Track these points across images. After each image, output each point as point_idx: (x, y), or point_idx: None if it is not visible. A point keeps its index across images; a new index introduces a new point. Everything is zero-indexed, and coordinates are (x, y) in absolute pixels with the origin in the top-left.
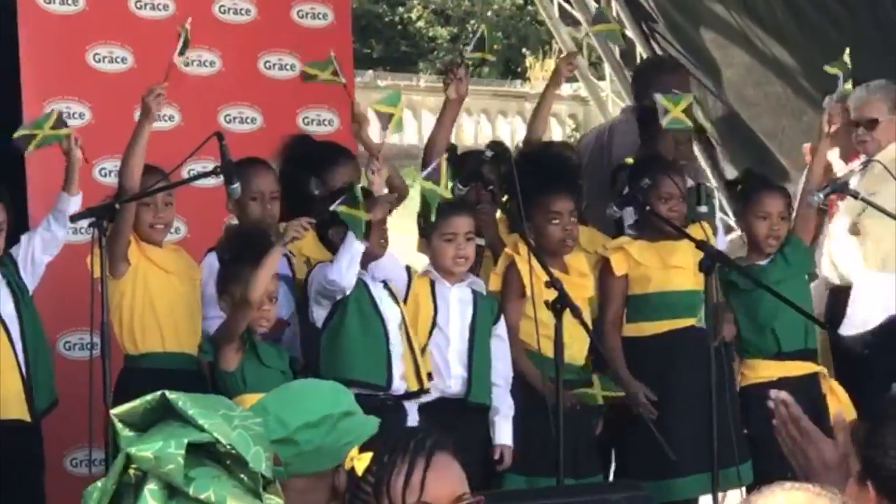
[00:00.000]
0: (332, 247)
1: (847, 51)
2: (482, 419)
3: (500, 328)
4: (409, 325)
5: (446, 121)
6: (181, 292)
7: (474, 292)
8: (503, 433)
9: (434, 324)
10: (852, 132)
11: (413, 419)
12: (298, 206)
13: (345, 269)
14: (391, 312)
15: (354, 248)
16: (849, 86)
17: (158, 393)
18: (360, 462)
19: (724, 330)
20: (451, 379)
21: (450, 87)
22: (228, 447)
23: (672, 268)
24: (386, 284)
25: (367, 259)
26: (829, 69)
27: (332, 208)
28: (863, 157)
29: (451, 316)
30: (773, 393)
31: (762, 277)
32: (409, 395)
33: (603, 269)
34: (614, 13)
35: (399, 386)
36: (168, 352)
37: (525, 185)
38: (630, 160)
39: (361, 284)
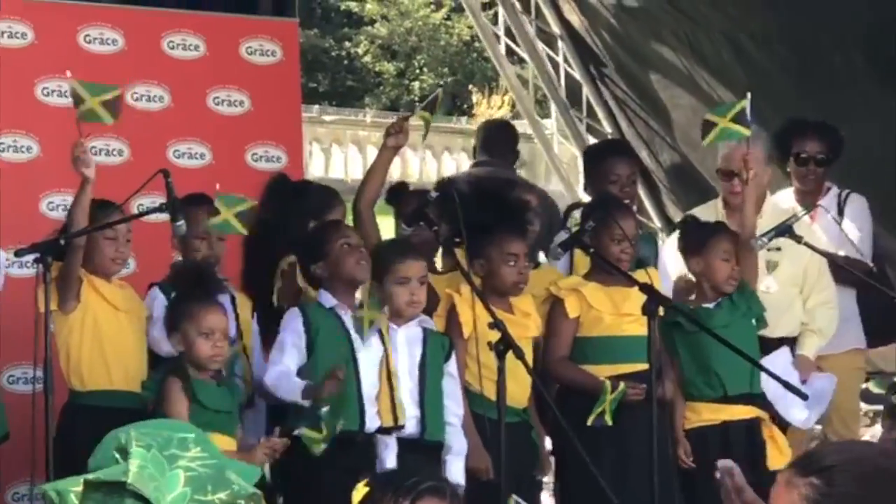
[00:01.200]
0: (316, 281)
1: (748, 95)
2: (436, 458)
3: (452, 366)
4: (389, 361)
5: (380, 167)
6: (130, 329)
7: (425, 330)
8: (455, 472)
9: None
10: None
11: (392, 454)
12: (285, 243)
13: (278, 395)
14: (371, 351)
15: (294, 397)
16: (745, 130)
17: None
18: (357, 494)
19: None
20: (406, 420)
21: (391, 137)
22: None
23: (624, 314)
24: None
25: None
26: (710, 116)
27: (295, 433)
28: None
29: (399, 357)
30: (721, 463)
31: (708, 321)
32: (383, 430)
33: (555, 308)
34: (561, 54)
35: (372, 424)
36: (115, 390)
37: (478, 225)
38: (584, 199)
39: (338, 327)
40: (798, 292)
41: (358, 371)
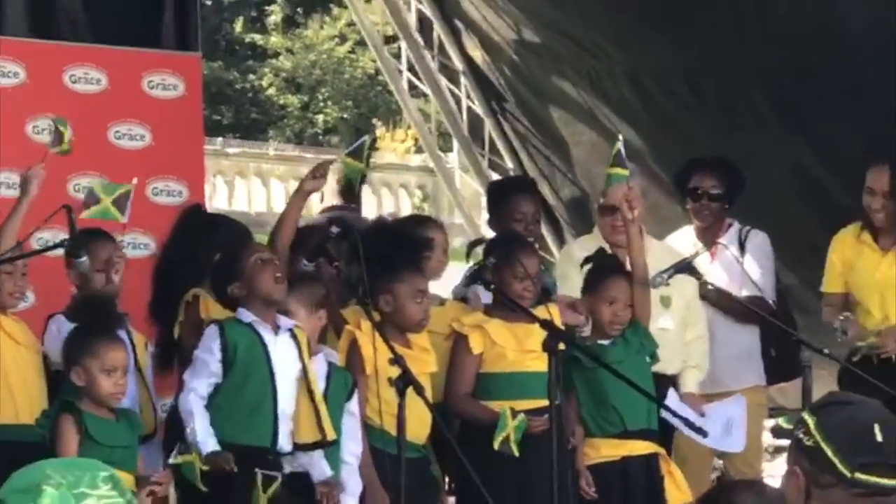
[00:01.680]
0: (233, 303)
1: (620, 137)
2: (309, 490)
3: (353, 405)
4: (310, 378)
5: (294, 210)
6: (31, 363)
7: (330, 365)
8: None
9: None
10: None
11: (322, 470)
12: (193, 275)
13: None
14: (289, 367)
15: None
16: (624, 171)
17: None
18: None
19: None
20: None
21: (310, 181)
22: None
23: (527, 351)
24: (293, 334)
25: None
26: (610, 171)
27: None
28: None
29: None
30: None
31: (603, 357)
32: (307, 447)
33: (458, 344)
34: (463, 89)
35: (285, 442)
36: (21, 424)
37: (380, 261)
38: (487, 236)
39: (256, 342)
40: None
41: (275, 387)
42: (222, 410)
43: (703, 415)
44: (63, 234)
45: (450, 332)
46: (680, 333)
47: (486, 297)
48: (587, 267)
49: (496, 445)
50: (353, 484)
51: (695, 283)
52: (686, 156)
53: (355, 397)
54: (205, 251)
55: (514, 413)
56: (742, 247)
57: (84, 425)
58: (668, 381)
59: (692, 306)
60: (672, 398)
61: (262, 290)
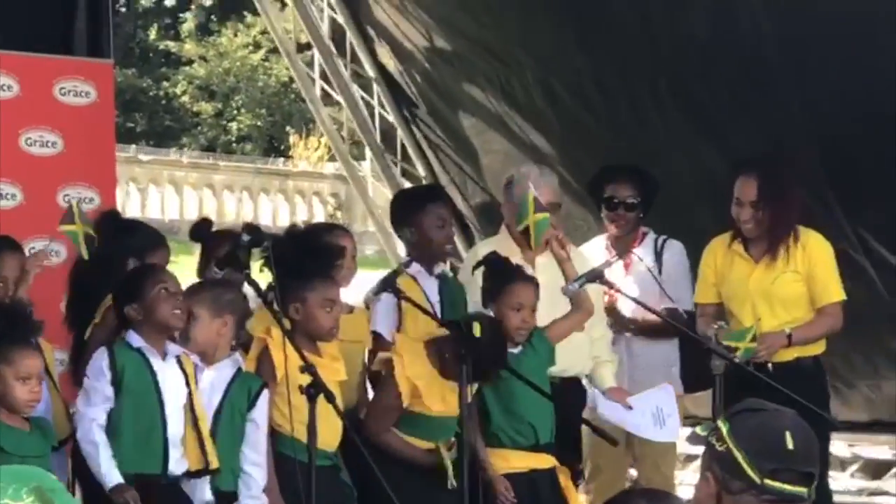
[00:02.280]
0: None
1: (531, 187)
2: None
3: (256, 412)
4: (195, 404)
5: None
6: None
7: (238, 372)
8: None
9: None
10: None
11: (202, 498)
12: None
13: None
14: (176, 393)
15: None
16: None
17: None
18: None
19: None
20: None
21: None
22: None
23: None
24: (179, 360)
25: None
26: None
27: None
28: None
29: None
30: None
31: (516, 367)
32: (191, 475)
33: (385, 381)
34: (376, 97)
35: (176, 468)
36: None
37: (292, 269)
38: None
39: (144, 367)
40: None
41: (164, 412)
42: (113, 437)
43: (630, 407)
44: None
45: (380, 361)
46: (587, 333)
47: (389, 304)
48: (480, 270)
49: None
50: (252, 493)
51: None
52: (597, 163)
53: (259, 404)
54: (120, 256)
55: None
56: (658, 256)
57: None
58: (578, 385)
59: (598, 307)
60: (601, 403)
61: (161, 320)
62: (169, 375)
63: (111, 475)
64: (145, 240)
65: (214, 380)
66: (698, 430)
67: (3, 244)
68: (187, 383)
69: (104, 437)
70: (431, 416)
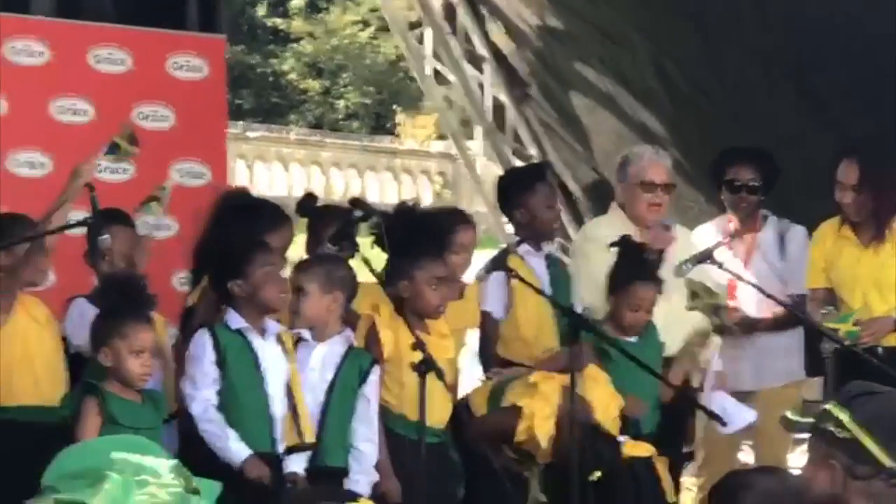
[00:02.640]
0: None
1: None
2: (338, 482)
3: (368, 388)
4: (293, 380)
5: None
6: (52, 344)
7: (349, 347)
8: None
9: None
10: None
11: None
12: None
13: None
14: (278, 371)
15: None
16: None
17: None
18: None
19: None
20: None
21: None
22: None
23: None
24: (280, 338)
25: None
26: None
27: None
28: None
29: (309, 376)
30: None
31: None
32: (288, 451)
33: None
34: (488, 76)
35: (281, 446)
36: (42, 406)
37: (402, 247)
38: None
39: (246, 348)
40: None
41: (266, 391)
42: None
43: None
44: (85, 214)
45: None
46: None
47: (501, 284)
48: (613, 250)
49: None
50: (364, 469)
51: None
52: (708, 144)
53: (370, 380)
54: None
55: None
56: (782, 241)
57: (107, 407)
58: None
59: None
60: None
61: (266, 301)
62: (269, 354)
63: (239, 449)
64: (267, 220)
65: (326, 356)
66: (789, 414)
67: (114, 217)
68: (287, 360)
69: (221, 416)
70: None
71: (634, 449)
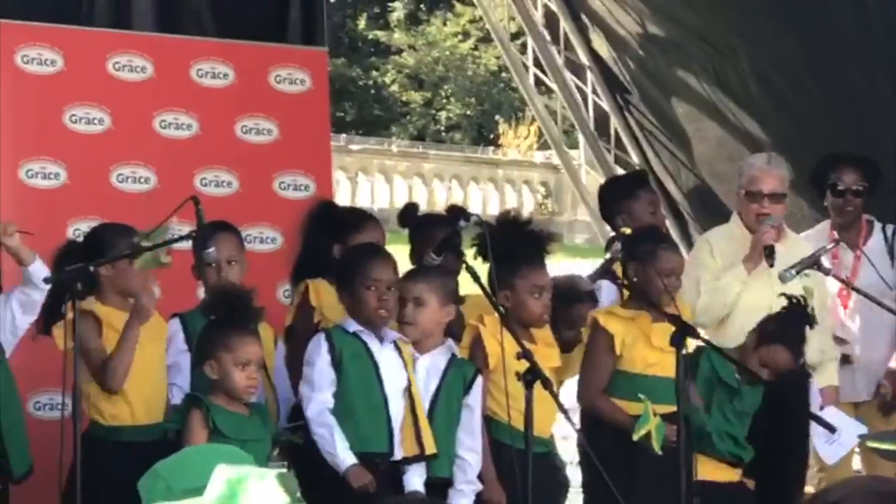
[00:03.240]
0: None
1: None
2: (442, 493)
3: (472, 398)
4: (413, 390)
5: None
6: (151, 360)
7: (452, 358)
8: None
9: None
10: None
11: (415, 485)
12: (317, 268)
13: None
14: (395, 377)
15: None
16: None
17: None
18: None
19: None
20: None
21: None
22: None
23: (656, 349)
24: (396, 345)
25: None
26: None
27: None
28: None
29: (394, 383)
30: None
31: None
32: (407, 461)
33: (599, 340)
34: (589, 85)
35: (398, 451)
36: (136, 425)
37: (503, 256)
38: (628, 230)
39: (363, 350)
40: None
41: (385, 394)
42: (339, 419)
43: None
44: (191, 227)
45: (591, 321)
46: (820, 325)
47: (611, 292)
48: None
49: (636, 437)
50: (467, 478)
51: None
52: (813, 152)
53: (474, 390)
54: (322, 243)
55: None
56: (891, 249)
57: (214, 420)
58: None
59: (826, 300)
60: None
61: (364, 314)
62: (387, 359)
63: (346, 457)
64: (345, 221)
65: (430, 366)
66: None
67: (227, 228)
68: (405, 367)
69: (335, 420)
70: (640, 376)
71: (730, 475)
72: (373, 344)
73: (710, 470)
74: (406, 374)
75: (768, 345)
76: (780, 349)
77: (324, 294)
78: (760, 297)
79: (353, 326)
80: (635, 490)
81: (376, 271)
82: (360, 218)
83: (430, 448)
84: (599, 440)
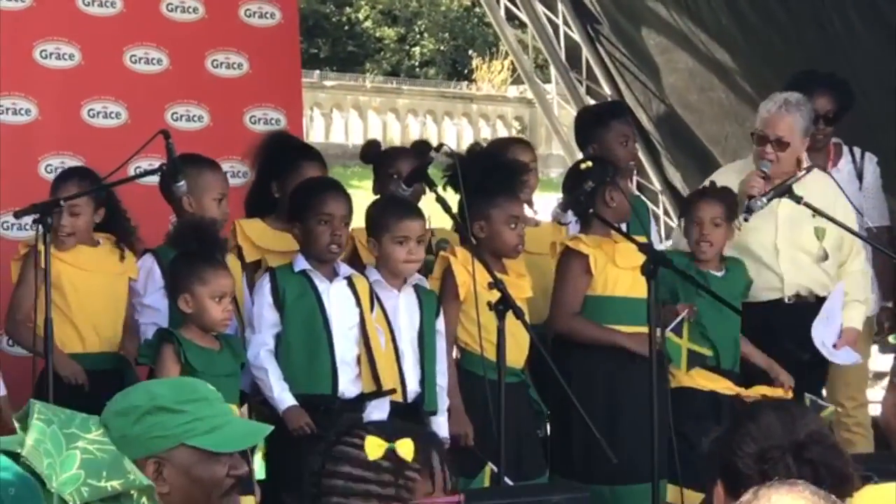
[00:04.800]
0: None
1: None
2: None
3: (440, 322)
4: (368, 326)
5: None
6: (101, 290)
7: (417, 290)
8: (441, 429)
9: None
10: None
11: (383, 416)
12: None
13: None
14: (345, 314)
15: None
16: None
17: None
18: (404, 448)
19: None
20: (409, 393)
21: None
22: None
23: (621, 269)
24: (351, 281)
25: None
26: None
27: None
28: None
29: (402, 325)
30: None
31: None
32: (365, 397)
33: (573, 263)
34: (560, 16)
35: (349, 389)
36: (86, 353)
37: (475, 187)
38: (588, 164)
39: (308, 289)
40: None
41: (330, 334)
42: (282, 360)
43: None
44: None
45: (560, 248)
46: (833, 263)
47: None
48: None
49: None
50: (442, 405)
51: (852, 214)
52: (781, 79)
53: (440, 316)
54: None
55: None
56: (860, 174)
57: (185, 355)
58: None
59: (847, 237)
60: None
61: (316, 249)
62: (336, 296)
63: (283, 398)
64: (285, 158)
65: (409, 302)
66: (891, 339)
67: (200, 161)
68: (358, 304)
69: (274, 362)
70: (610, 299)
71: (715, 383)
72: (320, 283)
73: (698, 380)
74: (359, 310)
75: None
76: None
77: (251, 231)
78: (764, 236)
79: (301, 265)
80: (617, 409)
81: (330, 206)
82: (299, 155)
83: (389, 384)
84: (574, 365)
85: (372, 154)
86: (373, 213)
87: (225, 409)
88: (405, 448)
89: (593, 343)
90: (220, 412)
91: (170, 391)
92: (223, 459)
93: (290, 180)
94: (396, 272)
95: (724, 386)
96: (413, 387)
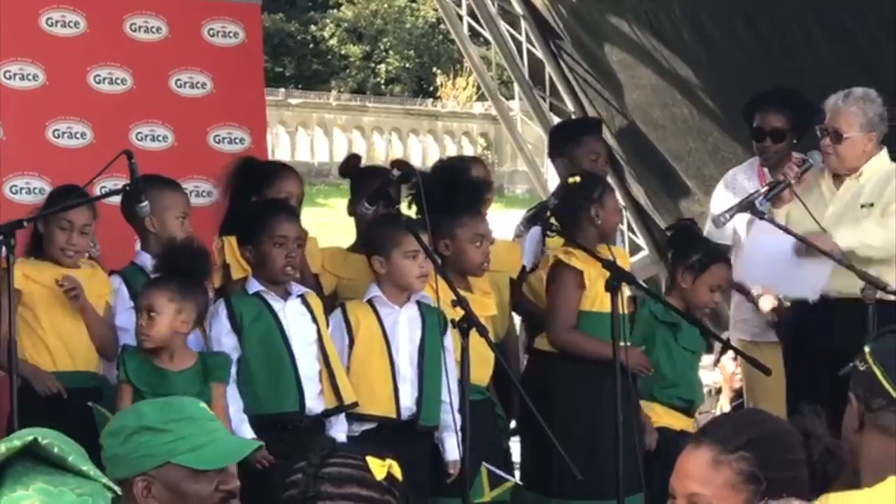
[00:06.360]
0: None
1: None
2: (429, 440)
3: (448, 339)
4: (325, 342)
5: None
6: (73, 309)
7: (420, 306)
8: (450, 449)
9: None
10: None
11: (341, 433)
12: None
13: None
14: (302, 331)
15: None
16: None
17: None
18: (396, 467)
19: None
20: (402, 410)
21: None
22: None
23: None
24: (304, 299)
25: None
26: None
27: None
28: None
29: (401, 342)
30: None
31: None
32: (327, 413)
33: (567, 277)
34: (524, 34)
35: (314, 405)
36: (59, 371)
37: (438, 205)
38: (577, 179)
39: (264, 310)
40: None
41: (291, 351)
42: (246, 383)
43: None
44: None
45: (552, 260)
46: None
47: (534, 241)
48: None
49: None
50: (451, 424)
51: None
52: (744, 95)
53: (449, 333)
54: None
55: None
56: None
57: (126, 374)
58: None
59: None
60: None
61: (271, 271)
62: (292, 314)
63: (241, 431)
64: (262, 176)
65: (410, 318)
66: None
67: (164, 182)
68: (314, 320)
69: (234, 392)
70: (596, 314)
71: (684, 423)
72: (275, 302)
73: (661, 416)
74: (316, 326)
75: (708, 269)
76: (720, 266)
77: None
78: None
79: (254, 287)
80: (597, 425)
81: (284, 228)
82: (275, 170)
83: (349, 397)
84: (554, 380)
85: (351, 169)
86: (379, 230)
87: (212, 426)
88: (396, 468)
89: (595, 357)
90: (206, 430)
91: (156, 411)
92: (210, 475)
93: (271, 195)
94: (408, 287)
95: (687, 425)
96: (407, 403)
